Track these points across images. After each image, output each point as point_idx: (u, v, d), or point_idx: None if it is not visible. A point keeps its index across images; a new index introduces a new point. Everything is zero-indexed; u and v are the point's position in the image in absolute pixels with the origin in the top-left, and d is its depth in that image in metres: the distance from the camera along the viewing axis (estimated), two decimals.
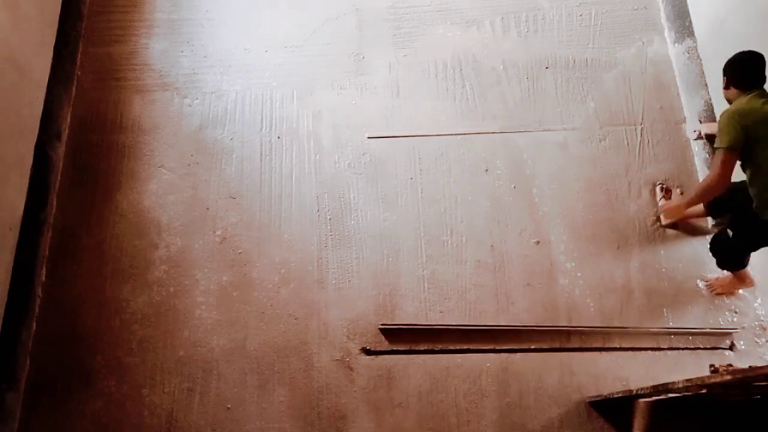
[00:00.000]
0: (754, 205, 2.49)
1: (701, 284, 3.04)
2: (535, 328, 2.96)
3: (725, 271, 2.94)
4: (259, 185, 3.26)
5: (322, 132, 3.39)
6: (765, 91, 2.51)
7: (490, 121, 3.39)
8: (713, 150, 2.88)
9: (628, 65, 3.51)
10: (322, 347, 2.93)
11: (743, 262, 2.80)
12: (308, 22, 3.66)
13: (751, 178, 2.51)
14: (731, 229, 2.71)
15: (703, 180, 2.75)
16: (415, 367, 2.90)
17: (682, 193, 3.14)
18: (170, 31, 3.64)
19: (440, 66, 3.54)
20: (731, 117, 2.45)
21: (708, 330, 2.95)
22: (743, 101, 2.48)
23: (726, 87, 2.61)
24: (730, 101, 2.60)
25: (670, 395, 2.04)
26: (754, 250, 2.72)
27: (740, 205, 2.61)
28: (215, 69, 3.54)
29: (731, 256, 2.79)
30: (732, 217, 2.75)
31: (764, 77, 2.52)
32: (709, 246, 2.90)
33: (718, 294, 3.00)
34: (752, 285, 2.93)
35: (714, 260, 2.91)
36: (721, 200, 2.75)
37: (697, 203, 2.84)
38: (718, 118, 2.55)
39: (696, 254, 3.10)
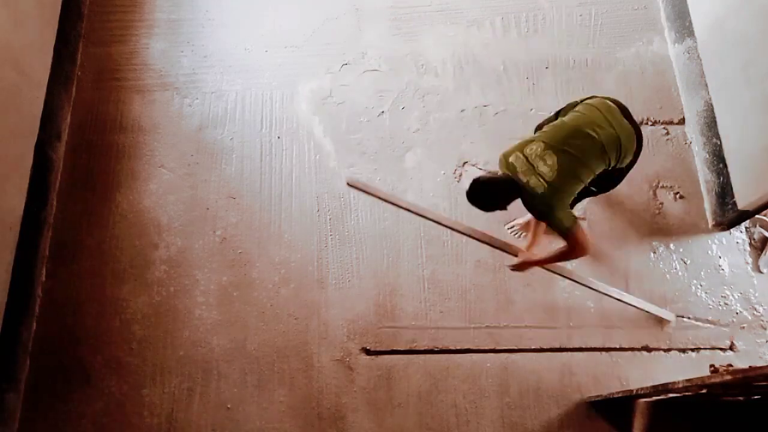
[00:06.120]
0: None
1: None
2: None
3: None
4: (259, 185, 3.26)
5: (322, 132, 3.39)
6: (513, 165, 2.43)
7: None
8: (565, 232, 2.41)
9: (628, 65, 3.51)
10: (322, 347, 2.93)
11: None
12: (308, 22, 3.66)
13: None
14: None
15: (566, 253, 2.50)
16: (415, 367, 2.90)
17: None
18: (170, 31, 3.64)
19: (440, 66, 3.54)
20: (560, 200, 2.35)
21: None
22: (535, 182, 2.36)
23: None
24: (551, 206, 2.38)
25: (670, 395, 2.04)
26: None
27: None
28: (215, 69, 3.54)
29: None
30: None
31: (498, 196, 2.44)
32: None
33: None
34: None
35: None
36: None
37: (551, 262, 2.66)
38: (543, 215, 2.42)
39: (696, 254, 3.11)
